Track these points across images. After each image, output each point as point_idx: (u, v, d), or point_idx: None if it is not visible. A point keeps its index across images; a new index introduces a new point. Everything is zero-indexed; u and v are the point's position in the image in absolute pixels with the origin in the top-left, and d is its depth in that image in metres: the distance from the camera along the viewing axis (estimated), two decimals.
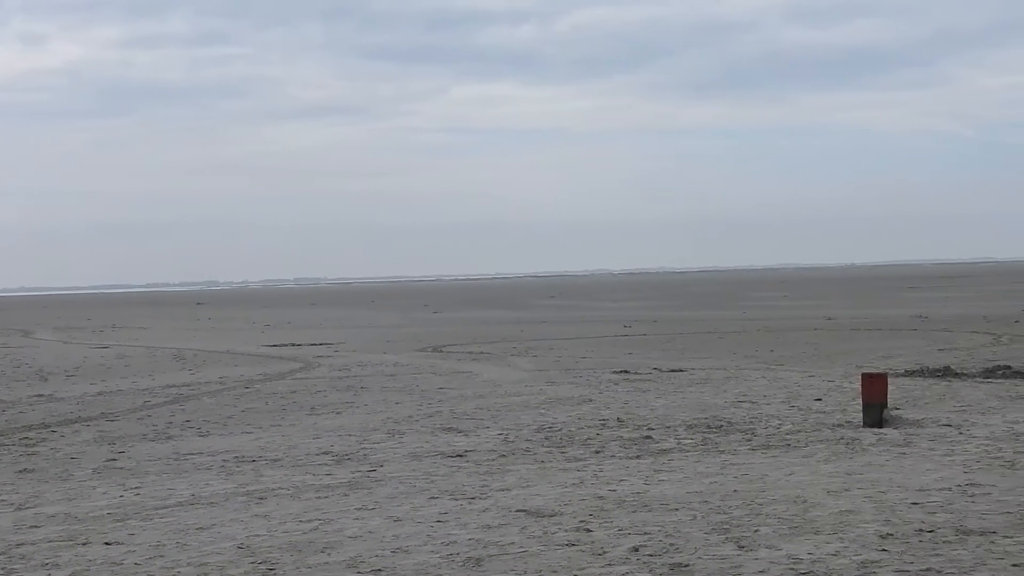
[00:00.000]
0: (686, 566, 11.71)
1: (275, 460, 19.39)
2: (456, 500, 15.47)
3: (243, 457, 19.81)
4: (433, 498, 15.68)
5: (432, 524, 14.02)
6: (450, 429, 22.59)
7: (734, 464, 17.69)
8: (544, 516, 14.27)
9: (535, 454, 19.32)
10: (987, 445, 18.63)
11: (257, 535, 13.63)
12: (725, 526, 13.42)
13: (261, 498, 15.96)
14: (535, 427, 22.48)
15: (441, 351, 45.95)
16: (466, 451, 19.77)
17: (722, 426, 21.83)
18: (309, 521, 14.32)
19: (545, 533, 13.38)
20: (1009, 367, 30.60)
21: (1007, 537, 12.51)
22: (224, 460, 19.56)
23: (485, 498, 15.54)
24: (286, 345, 51.89)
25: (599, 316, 77.96)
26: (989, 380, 28.49)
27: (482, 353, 43.93)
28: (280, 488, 16.71)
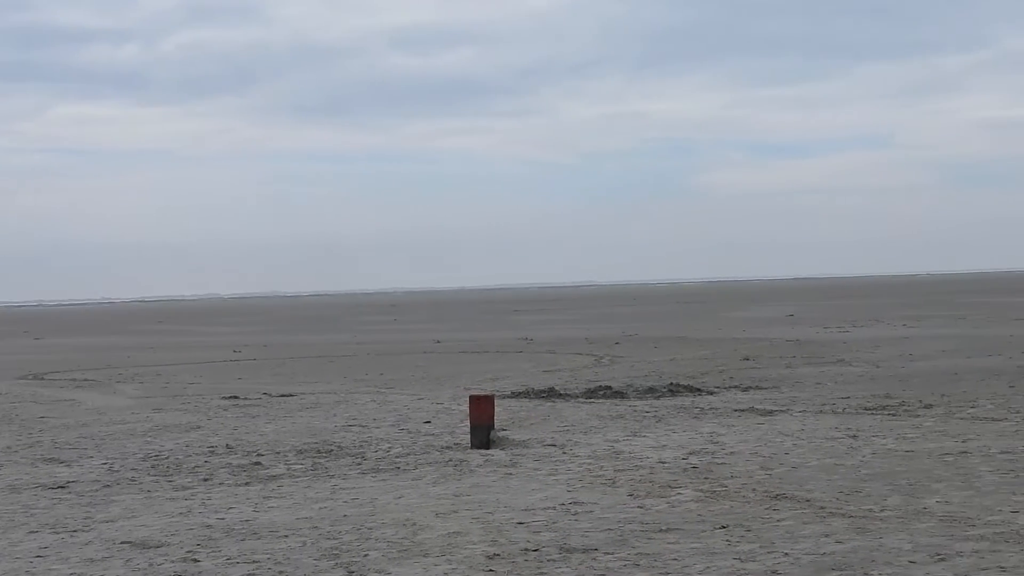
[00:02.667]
0: None
1: None
2: (57, 533, 14.93)
3: None
4: (32, 532, 15.08)
5: (31, 560, 13.48)
6: (51, 460, 21.79)
7: (344, 488, 17.69)
8: (150, 547, 13.92)
9: (141, 483, 18.83)
10: (589, 464, 19.22)
11: None
12: (335, 551, 13.38)
13: None
14: (141, 455, 21.92)
15: (43, 379, 44.35)
16: (68, 482, 19.10)
17: (332, 450, 21.81)
18: None
19: (151, 565, 13.04)
20: (610, 387, 31.70)
21: (608, 553, 12.92)
22: None
23: (88, 530, 15.05)
24: None
25: (208, 341, 76.82)
26: (591, 400, 29.44)
27: (86, 380, 42.62)
28: None
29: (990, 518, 14.04)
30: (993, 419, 23.25)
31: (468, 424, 22.20)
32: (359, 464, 20.17)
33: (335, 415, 27.81)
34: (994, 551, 12.43)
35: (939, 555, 12.31)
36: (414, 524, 14.79)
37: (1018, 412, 24.11)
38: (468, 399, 22.82)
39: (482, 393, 24.68)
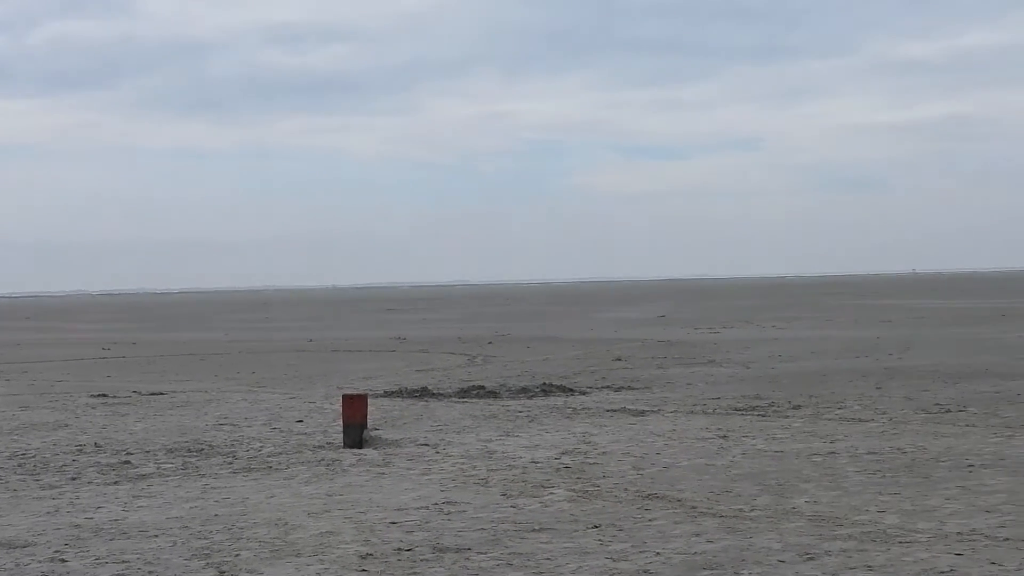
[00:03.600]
0: None
1: None
2: None
3: None
4: None
5: None
6: None
7: (215, 488, 17.51)
8: (16, 547, 13.67)
9: (7, 482, 18.48)
10: (462, 463, 19.22)
11: None
12: (206, 551, 13.24)
13: None
14: (7, 454, 21.51)
15: None
16: None
17: (203, 449, 21.58)
18: None
19: (17, 565, 12.81)
20: (483, 387, 31.75)
21: (481, 553, 12.93)
22: None
23: None
24: None
25: (77, 338, 75.65)
26: (464, 400, 29.45)
27: None
28: None
29: (857, 517, 14.27)
30: (860, 420, 23.63)
31: (341, 423, 22.10)
32: (230, 463, 19.98)
33: (206, 414, 27.52)
34: (861, 550, 12.64)
35: (808, 554, 12.48)
36: (286, 524, 14.68)
37: (884, 413, 24.54)
38: (341, 398, 22.72)
39: (355, 392, 24.58)
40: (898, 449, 19.56)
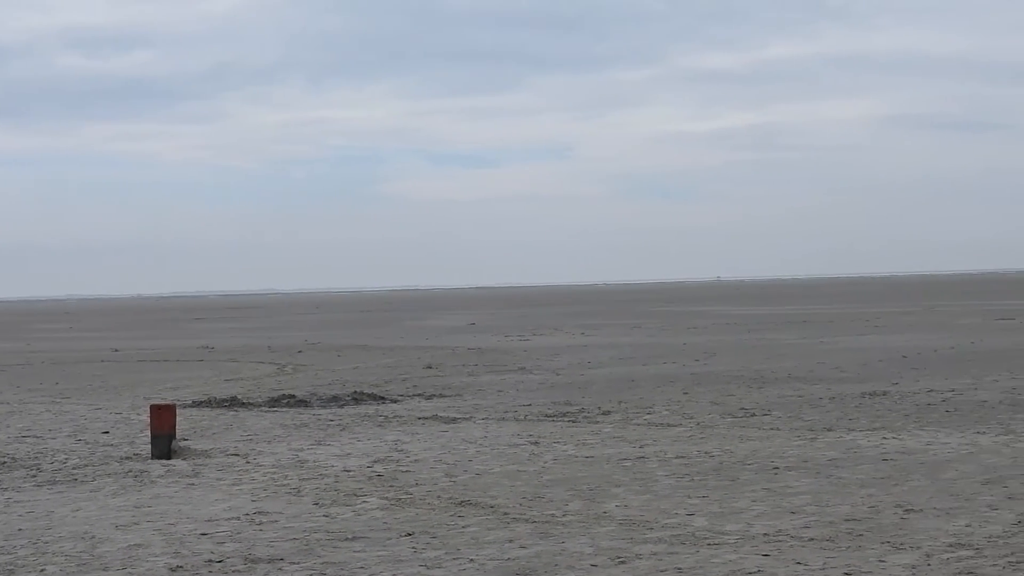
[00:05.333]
0: None
1: None
2: None
3: None
4: None
5: None
6: None
7: (19, 502, 17.08)
8: None
9: None
10: (274, 473, 19.04)
11: None
12: (10, 567, 12.91)
13: None
14: None
15: None
16: None
17: (5, 463, 21.02)
18: None
19: None
20: (293, 396, 31.48)
21: (294, 563, 12.83)
22: None
23: None
24: None
25: None
26: (274, 409, 29.18)
27: None
28: None
29: (667, 521, 14.49)
30: (668, 424, 24.01)
31: (148, 434, 21.72)
32: (34, 476, 19.50)
33: (7, 426, 26.83)
34: (671, 553, 12.84)
35: (619, 558, 12.64)
36: (93, 537, 14.39)
37: (691, 418, 24.96)
38: (148, 408, 22.34)
39: (163, 402, 24.17)
40: (706, 453, 19.92)
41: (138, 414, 27.70)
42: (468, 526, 14.52)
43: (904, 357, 40.45)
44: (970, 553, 12.44)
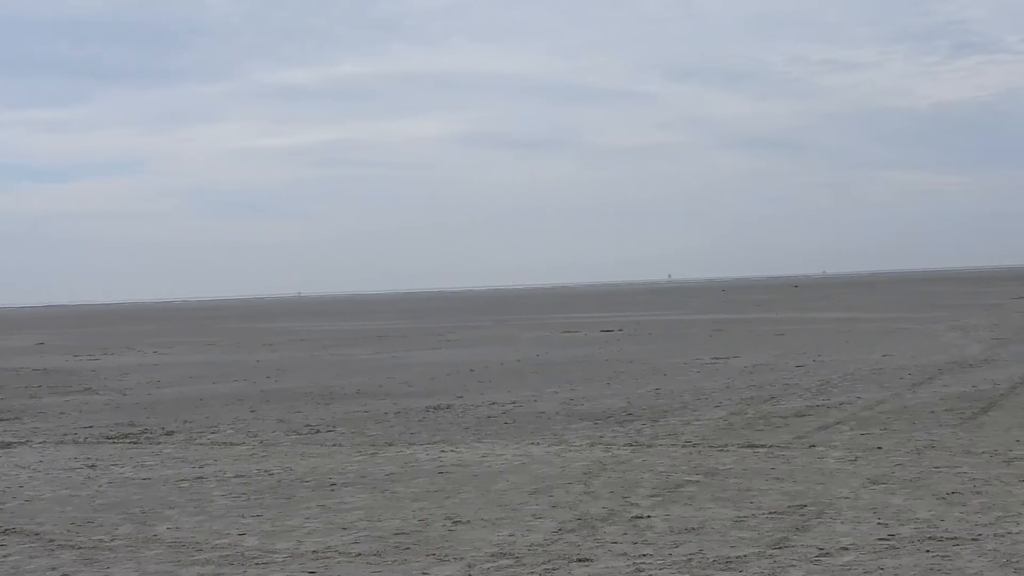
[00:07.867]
0: None
1: None
2: None
3: None
4: None
5: None
6: None
7: None
8: None
9: None
10: None
11: None
12: None
13: None
14: None
15: None
16: None
17: None
18: None
19: None
20: None
21: None
22: None
23: None
24: None
25: None
26: None
27: None
28: None
29: (217, 541, 14.37)
30: (232, 443, 23.82)
31: None
32: None
33: None
34: (218, 574, 12.74)
35: None
36: None
37: (256, 436, 24.84)
38: None
39: None
40: (265, 471, 19.86)
41: None
42: (10, 555, 14.01)
43: (472, 371, 41.45)
44: (510, 562, 12.83)
